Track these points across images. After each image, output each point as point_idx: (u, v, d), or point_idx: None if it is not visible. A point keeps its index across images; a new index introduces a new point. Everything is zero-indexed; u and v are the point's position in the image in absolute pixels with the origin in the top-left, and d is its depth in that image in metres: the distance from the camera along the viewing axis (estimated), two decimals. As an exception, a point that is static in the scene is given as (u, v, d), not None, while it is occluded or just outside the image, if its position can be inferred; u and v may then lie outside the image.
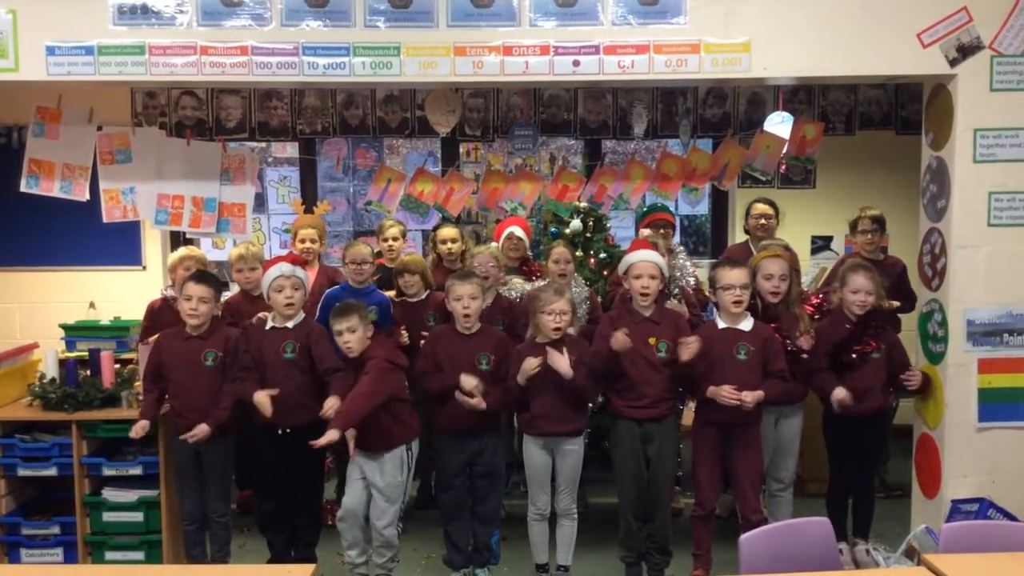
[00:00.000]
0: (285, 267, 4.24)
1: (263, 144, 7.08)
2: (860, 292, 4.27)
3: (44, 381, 4.51)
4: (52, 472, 4.43)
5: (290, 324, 4.25)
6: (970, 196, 4.26)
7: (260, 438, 4.26)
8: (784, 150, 5.40)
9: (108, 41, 4.19)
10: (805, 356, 4.29)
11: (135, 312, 5.50)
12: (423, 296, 4.95)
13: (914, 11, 4.19)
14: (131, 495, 4.45)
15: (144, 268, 6.30)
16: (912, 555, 4.21)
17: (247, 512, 5.09)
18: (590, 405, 4.51)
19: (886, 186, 6.10)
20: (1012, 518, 4.17)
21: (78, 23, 4.18)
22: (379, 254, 5.49)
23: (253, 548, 4.73)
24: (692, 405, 4.42)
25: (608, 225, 5.48)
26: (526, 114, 6.27)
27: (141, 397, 4.35)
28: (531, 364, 4.08)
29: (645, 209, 5.50)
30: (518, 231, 5.20)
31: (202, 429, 4.12)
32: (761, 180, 5.76)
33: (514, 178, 5.47)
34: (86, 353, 4.87)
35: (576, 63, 4.23)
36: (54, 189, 5.00)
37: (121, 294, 6.11)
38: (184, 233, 5.55)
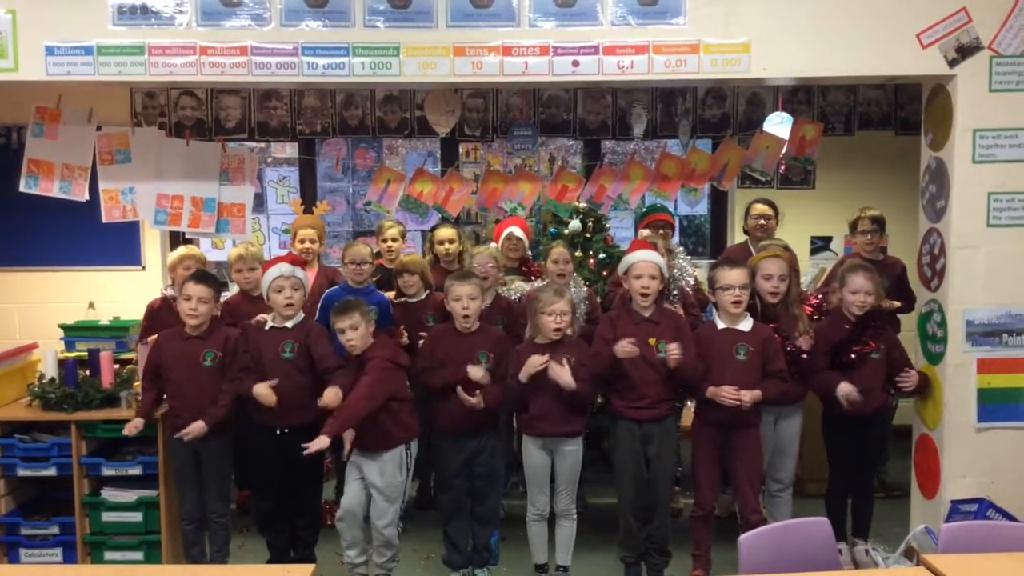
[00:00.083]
0: (285, 267, 4.25)
1: (262, 144, 7.08)
2: (859, 292, 4.27)
3: (43, 381, 4.51)
4: (51, 472, 4.43)
5: (289, 324, 4.25)
6: (969, 196, 4.26)
7: (259, 438, 4.26)
8: (783, 150, 5.40)
9: (107, 41, 4.19)
10: (804, 356, 4.30)
11: (134, 312, 5.50)
12: (423, 296, 4.95)
13: (913, 11, 4.19)
14: (130, 495, 4.45)
15: (143, 268, 6.30)
16: (911, 555, 4.21)
17: (246, 512, 5.09)
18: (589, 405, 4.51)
19: (885, 186, 6.10)
20: (1011, 518, 4.16)
21: (77, 23, 4.18)
22: (378, 254, 5.49)
23: (252, 548, 4.73)
24: (692, 405, 4.43)
25: (607, 225, 5.48)
26: (525, 114, 6.27)
27: (140, 396, 4.35)
28: (537, 360, 4.08)
29: (644, 210, 5.49)
30: (517, 231, 5.20)
31: (198, 426, 4.12)
32: (760, 180, 5.76)
33: (513, 178, 5.47)
34: (85, 353, 4.88)
35: (575, 63, 4.23)
36: (53, 189, 5.00)
37: (120, 294, 6.11)
38: (183, 233, 5.55)
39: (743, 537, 2.95)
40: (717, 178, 5.35)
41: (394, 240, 5.45)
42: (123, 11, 4.19)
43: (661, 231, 5.05)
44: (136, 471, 4.44)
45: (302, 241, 5.32)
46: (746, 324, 4.20)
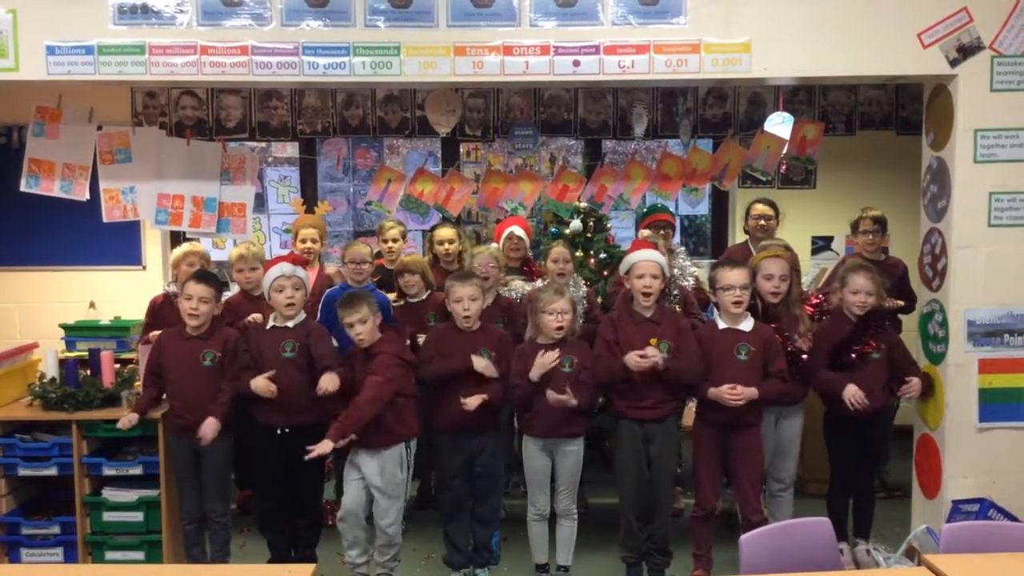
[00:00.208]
0: (286, 267, 4.25)
1: (263, 144, 7.08)
2: (860, 293, 4.26)
3: (44, 381, 4.51)
4: (52, 472, 4.42)
5: (290, 324, 4.25)
6: (970, 196, 4.26)
7: (260, 438, 4.26)
8: (784, 150, 5.40)
9: (108, 41, 4.19)
10: (805, 357, 4.29)
11: (135, 312, 5.50)
12: (424, 296, 4.95)
13: (914, 11, 4.19)
14: (131, 495, 4.44)
15: (144, 268, 6.30)
16: (913, 555, 4.21)
17: (247, 512, 5.09)
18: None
19: (886, 186, 6.09)
20: (1013, 518, 4.16)
21: (78, 23, 4.17)
22: (379, 254, 5.49)
23: (253, 548, 4.73)
24: (692, 405, 4.42)
25: (608, 225, 5.47)
26: (526, 114, 6.27)
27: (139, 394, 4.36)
28: (549, 358, 4.06)
29: (645, 210, 5.49)
30: (518, 231, 5.20)
31: (209, 425, 4.11)
32: (761, 180, 5.76)
33: (514, 178, 5.47)
34: (86, 353, 4.87)
35: (576, 63, 4.23)
36: (54, 189, 5.00)
37: (121, 294, 6.11)
38: (184, 233, 5.54)
39: (744, 537, 2.94)
40: (718, 178, 5.35)
41: (395, 240, 5.45)
42: (124, 11, 4.18)
43: (662, 231, 5.06)
44: (137, 471, 4.44)
45: (303, 241, 5.33)
46: (747, 324, 4.20)
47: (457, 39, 4.21)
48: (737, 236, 6.25)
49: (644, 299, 4.20)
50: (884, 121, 6.44)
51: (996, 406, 4.32)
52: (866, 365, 4.28)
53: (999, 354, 4.31)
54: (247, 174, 5.24)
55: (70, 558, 4.45)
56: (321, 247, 5.46)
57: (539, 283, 4.87)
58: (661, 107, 6.35)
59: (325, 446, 3.96)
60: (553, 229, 5.34)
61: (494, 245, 5.14)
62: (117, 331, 5.44)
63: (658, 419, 4.19)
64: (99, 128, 5.05)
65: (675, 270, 4.71)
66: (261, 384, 4.12)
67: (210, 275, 4.43)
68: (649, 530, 4.30)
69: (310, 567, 2.89)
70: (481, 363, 4.18)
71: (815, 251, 6.55)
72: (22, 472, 4.43)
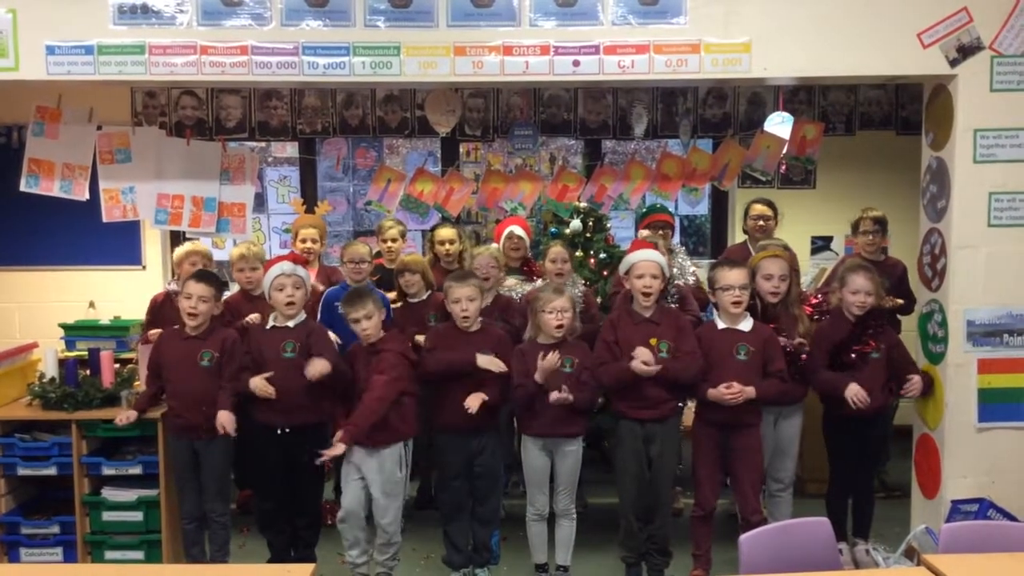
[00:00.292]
0: (287, 266, 4.25)
1: (263, 144, 7.08)
2: (860, 293, 4.26)
3: (44, 380, 4.51)
4: (52, 471, 4.43)
5: (291, 324, 4.24)
6: (970, 196, 4.26)
7: (260, 438, 4.26)
8: (784, 150, 5.40)
9: (108, 41, 4.19)
10: (804, 357, 4.29)
11: (135, 312, 5.51)
12: (424, 296, 4.95)
13: (914, 11, 4.19)
14: (131, 494, 4.45)
15: (144, 268, 6.31)
16: (912, 555, 4.21)
17: (247, 512, 5.09)
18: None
19: (886, 186, 6.10)
20: (1012, 518, 4.16)
21: (78, 22, 4.17)
22: (378, 254, 5.49)
23: (253, 548, 4.73)
24: (692, 405, 4.42)
25: (608, 225, 5.48)
26: (526, 114, 6.27)
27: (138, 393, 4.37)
28: (552, 361, 4.06)
29: (644, 210, 5.49)
30: (518, 230, 5.20)
31: (223, 416, 4.10)
32: (761, 180, 5.76)
33: (514, 178, 5.47)
34: (86, 353, 4.87)
35: (576, 63, 4.23)
36: (54, 188, 5.00)
37: (121, 294, 6.11)
38: (184, 233, 5.55)
39: (743, 537, 2.94)
40: (718, 178, 5.35)
41: (394, 240, 5.46)
42: (123, 11, 4.18)
43: (661, 231, 5.06)
44: (136, 470, 4.44)
45: (303, 240, 5.33)
46: (746, 324, 4.20)
47: (457, 39, 4.21)
48: (737, 236, 6.25)
49: (644, 299, 4.20)
50: (884, 121, 6.44)
51: (995, 406, 4.32)
52: (866, 365, 4.28)
53: (998, 354, 4.31)
54: (247, 174, 5.25)
55: (69, 558, 4.45)
56: (321, 247, 5.46)
57: (538, 283, 4.87)
58: (661, 107, 6.35)
59: (337, 449, 3.98)
60: (553, 229, 5.34)
61: (494, 245, 5.14)
62: (117, 331, 5.44)
63: (658, 419, 4.19)
64: (99, 128, 5.06)
65: (675, 270, 4.71)
66: (259, 384, 4.12)
67: (211, 275, 4.43)
68: (649, 530, 4.30)
69: (310, 567, 2.89)
70: (485, 359, 4.17)
71: (815, 251, 6.56)
72: (21, 472, 4.44)
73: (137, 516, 4.43)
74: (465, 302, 4.24)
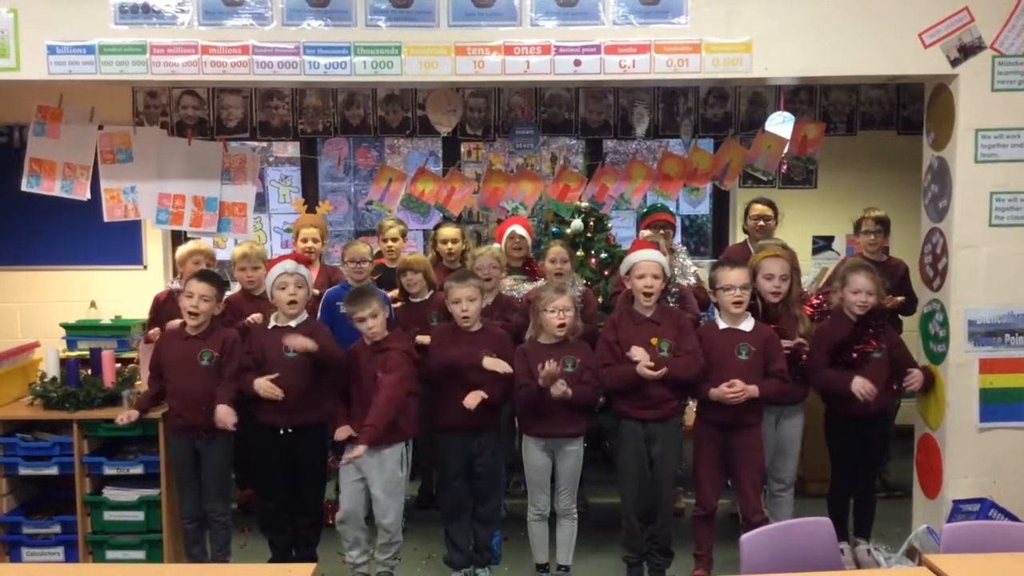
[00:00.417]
0: (289, 265, 4.25)
1: (264, 144, 7.08)
2: (861, 292, 4.26)
3: (45, 380, 4.51)
4: (53, 471, 4.43)
5: (293, 323, 4.24)
6: (971, 196, 4.26)
7: (262, 438, 4.26)
8: (785, 150, 5.40)
9: (109, 40, 4.19)
10: (804, 357, 4.30)
11: (136, 311, 5.52)
12: (426, 296, 4.95)
13: (915, 11, 4.19)
14: (132, 494, 4.45)
15: (145, 267, 6.30)
16: (913, 555, 4.21)
17: (248, 512, 5.09)
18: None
19: (887, 186, 6.09)
20: (1013, 518, 4.16)
21: (79, 22, 4.18)
22: (379, 254, 5.50)
23: (254, 548, 4.73)
24: (693, 405, 4.42)
25: (609, 225, 5.48)
26: (527, 114, 6.27)
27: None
28: (555, 368, 4.05)
29: (645, 209, 5.49)
30: (520, 230, 5.20)
31: (222, 411, 4.09)
32: (762, 180, 5.77)
33: (515, 178, 5.47)
34: (87, 352, 4.87)
35: (577, 63, 4.23)
36: (55, 188, 5.00)
37: (122, 293, 6.11)
38: (185, 232, 5.55)
39: (745, 537, 2.94)
40: (719, 178, 5.35)
41: (395, 239, 5.46)
42: (125, 10, 4.19)
43: (662, 231, 5.05)
44: (138, 470, 4.44)
45: (304, 240, 5.33)
46: (747, 324, 4.20)
47: (458, 39, 4.21)
48: (738, 236, 6.25)
49: (645, 299, 4.20)
50: (885, 121, 6.44)
51: (997, 406, 4.32)
52: (867, 365, 4.28)
53: (1000, 354, 4.31)
54: (248, 174, 5.25)
55: (71, 557, 4.45)
56: (322, 246, 5.46)
57: (540, 283, 4.87)
58: (662, 107, 6.35)
59: (358, 451, 3.97)
60: (554, 229, 5.34)
61: (496, 246, 5.14)
62: (118, 331, 5.44)
63: (660, 419, 4.19)
64: (100, 128, 5.06)
65: (676, 270, 4.71)
66: (265, 386, 4.12)
67: (213, 274, 4.43)
68: (651, 530, 4.30)
69: (311, 566, 2.89)
70: (491, 361, 4.17)
71: (816, 251, 6.55)
72: (23, 471, 4.44)
73: (138, 516, 4.44)
74: (465, 302, 4.24)
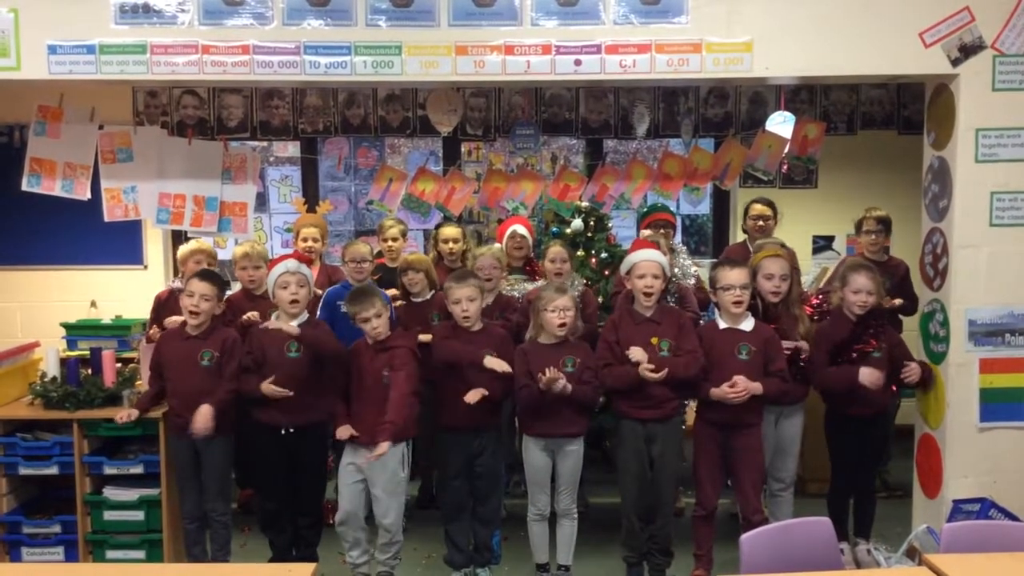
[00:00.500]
0: (291, 264, 4.25)
1: (264, 143, 7.08)
2: (861, 292, 4.26)
3: (45, 380, 4.51)
4: (53, 471, 4.43)
5: (295, 323, 4.23)
6: (972, 196, 4.26)
7: (263, 438, 4.26)
8: (786, 150, 5.40)
9: (110, 40, 4.19)
10: (804, 357, 4.29)
11: (136, 311, 5.52)
12: (427, 296, 4.95)
13: (916, 11, 4.19)
14: (132, 494, 4.45)
15: (145, 267, 6.30)
16: (913, 555, 4.21)
17: (248, 512, 5.09)
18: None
19: (888, 186, 6.09)
20: (1014, 518, 4.16)
21: (80, 22, 4.18)
22: (379, 253, 5.50)
23: (254, 547, 4.73)
24: (693, 405, 4.42)
25: (610, 225, 5.48)
26: (528, 113, 6.27)
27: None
28: (557, 376, 4.04)
29: (645, 209, 5.49)
30: (521, 229, 5.21)
31: (201, 412, 4.07)
32: (763, 180, 5.76)
33: (515, 177, 5.47)
34: (87, 352, 4.87)
35: (578, 62, 4.23)
36: (55, 188, 5.00)
37: (122, 293, 6.11)
38: (185, 232, 5.55)
39: (745, 537, 2.94)
40: (719, 177, 5.35)
41: (395, 239, 5.46)
42: (125, 10, 4.19)
43: (662, 230, 5.05)
44: (138, 470, 4.44)
45: (304, 240, 5.33)
46: (747, 324, 4.19)
47: (458, 38, 4.21)
48: (738, 236, 6.25)
49: (645, 299, 4.20)
50: (885, 121, 6.43)
51: (997, 406, 4.31)
52: (867, 364, 4.27)
53: (1000, 354, 4.31)
54: (248, 173, 5.25)
55: (71, 557, 4.45)
56: (322, 246, 5.47)
57: (540, 283, 4.87)
58: (662, 106, 6.35)
59: (383, 448, 3.96)
60: (554, 228, 5.34)
61: (496, 246, 5.14)
62: (118, 330, 5.45)
63: (660, 419, 4.19)
64: (100, 127, 5.06)
65: (676, 270, 4.71)
66: (271, 389, 4.12)
67: (214, 274, 4.44)
68: (651, 530, 4.30)
69: (311, 566, 2.89)
70: (492, 361, 4.17)
71: (816, 251, 6.55)
72: (23, 471, 4.44)
73: (138, 515, 4.44)
74: (465, 302, 4.24)
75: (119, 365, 4.70)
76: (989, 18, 4.18)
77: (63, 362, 4.61)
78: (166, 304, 4.89)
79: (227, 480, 4.45)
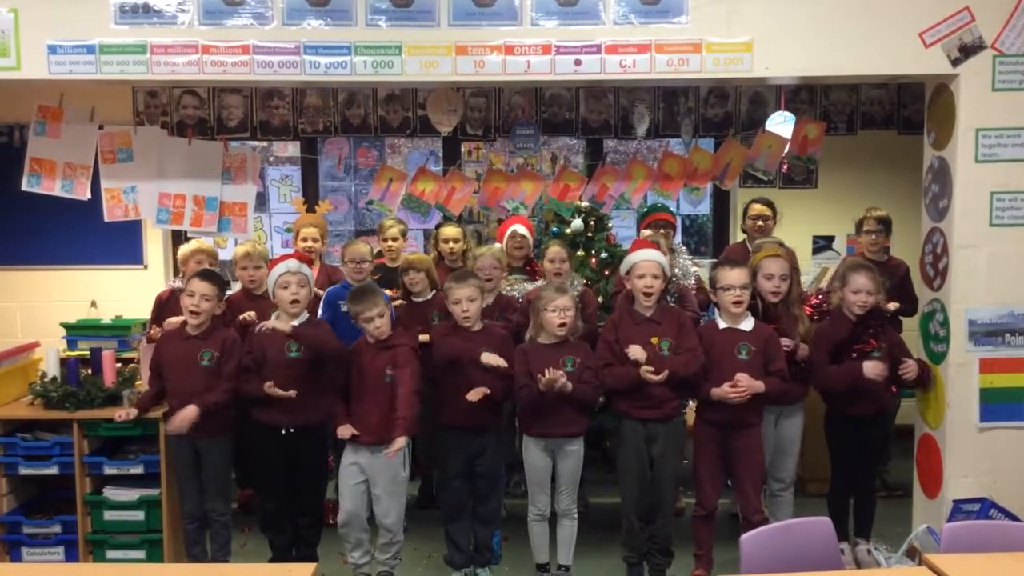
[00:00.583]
0: (292, 263, 4.25)
1: (264, 143, 7.08)
2: (861, 292, 4.26)
3: (45, 380, 4.51)
4: (53, 471, 4.43)
5: (295, 323, 4.23)
6: (972, 196, 4.25)
7: (263, 438, 4.26)
8: (786, 150, 5.40)
9: (110, 40, 4.19)
10: (802, 357, 4.29)
11: (136, 311, 5.52)
12: (428, 296, 4.95)
13: (916, 11, 4.19)
14: (132, 494, 4.45)
15: (145, 267, 6.30)
16: (913, 555, 4.21)
17: (248, 512, 5.09)
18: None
19: (888, 186, 6.09)
20: (1013, 518, 4.16)
21: (80, 22, 4.18)
22: (379, 253, 5.49)
23: (254, 547, 4.73)
24: (693, 405, 4.42)
25: (610, 225, 5.48)
26: (528, 113, 6.27)
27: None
28: (558, 377, 4.05)
29: (645, 209, 5.49)
30: (522, 229, 5.21)
31: (184, 413, 4.07)
32: (763, 180, 5.76)
33: (515, 177, 5.47)
34: (87, 352, 4.87)
35: (578, 62, 4.23)
36: (55, 188, 5.00)
37: (122, 293, 6.11)
38: (185, 232, 5.55)
39: (745, 537, 2.94)
40: (719, 177, 5.35)
41: (395, 239, 5.46)
42: (125, 10, 4.19)
43: (662, 230, 5.05)
44: (138, 470, 4.44)
45: (304, 240, 5.33)
46: (747, 324, 4.20)
47: (458, 38, 4.21)
48: (738, 236, 6.24)
49: (645, 299, 4.20)
50: (885, 121, 6.43)
51: (997, 406, 4.31)
52: (868, 364, 4.28)
53: (1000, 354, 4.31)
54: (248, 173, 5.25)
55: (71, 557, 4.45)
56: (322, 246, 5.46)
57: (540, 283, 4.87)
58: (662, 106, 6.35)
59: (400, 443, 3.97)
60: (554, 228, 5.34)
61: (497, 246, 5.14)
62: (118, 330, 5.44)
63: (661, 419, 4.19)
64: (100, 127, 5.06)
65: (676, 270, 4.71)
66: (274, 391, 4.12)
67: (214, 274, 4.44)
68: (651, 530, 4.30)
69: (311, 566, 2.89)
70: (489, 356, 4.17)
71: (816, 251, 6.55)
72: (23, 471, 4.44)
73: (138, 515, 4.44)
74: (466, 303, 4.24)
75: (119, 365, 4.71)
76: (989, 18, 4.18)
77: (63, 362, 4.62)
78: (167, 304, 4.89)
79: (227, 480, 4.45)
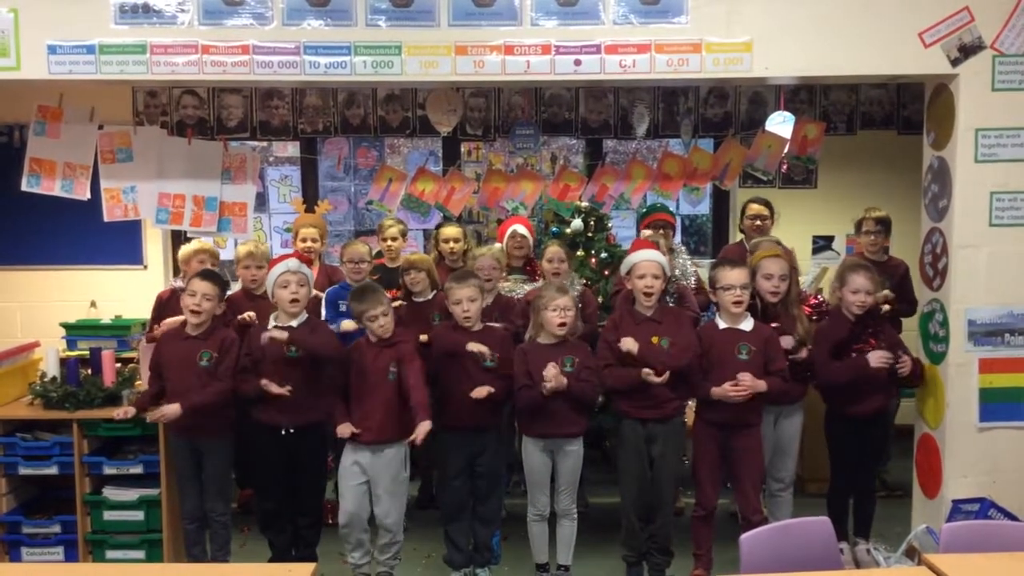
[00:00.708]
0: (292, 263, 4.24)
1: (264, 143, 7.07)
2: (860, 292, 4.26)
3: (45, 380, 4.51)
4: (53, 471, 4.43)
5: (294, 323, 4.23)
6: (971, 196, 4.26)
7: (263, 438, 4.26)
8: (785, 150, 5.40)
9: (109, 40, 4.19)
10: (802, 357, 4.30)
11: (136, 311, 5.52)
12: (429, 296, 4.95)
13: (916, 11, 4.19)
14: (132, 494, 4.45)
15: (145, 267, 6.30)
16: (913, 555, 4.21)
17: (248, 512, 5.09)
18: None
19: (887, 186, 6.09)
20: (1013, 518, 4.16)
21: (79, 22, 4.18)
22: (379, 253, 5.49)
23: (254, 548, 4.73)
24: (693, 405, 4.42)
25: (609, 225, 5.48)
26: (527, 113, 6.27)
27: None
28: (557, 376, 4.05)
29: (645, 209, 5.50)
30: (522, 229, 5.20)
31: (171, 409, 4.07)
32: (762, 180, 5.76)
33: (515, 177, 5.48)
34: (87, 352, 4.88)
35: (577, 62, 4.23)
36: (55, 188, 5.00)
37: (122, 293, 6.11)
38: (185, 232, 5.55)
39: (744, 537, 2.94)
40: (719, 177, 5.35)
41: (395, 239, 5.46)
42: (125, 10, 4.19)
43: (662, 231, 5.05)
44: (138, 470, 4.45)
45: (304, 240, 5.33)
46: (747, 324, 4.20)
47: (458, 38, 4.21)
48: (738, 236, 6.24)
49: (645, 299, 4.20)
50: (885, 121, 6.44)
51: (997, 406, 4.31)
52: (867, 364, 4.28)
53: (1000, 354, 4.31)
54: (248, 173, 5.25)
55: (71, 557, 4.45)
56: (322, 246, 5.46)
57: (539, 283, 4.87)
58: (662, 106, 6.35)
59: (426, 426, 3.98)
60: (554, 228, 5.35)
61: (496, 246, 5.14)
62: (118, 330, 5.45)
63: (661, 419, 4.19)
64: (100, 127, 5.05)
65: (676, 270, 4.71)
66: (270, 387, 4.12)
67: (215, 274, 4.44)
68: (650, 530, 4.30)
69: (311, 566, 2.89)
70: (474, 345, 4.18)
71: (816, 251, 6.56)
72: (23, 471, 4.44)
73: (138, 515, 4.44)
74: (466, 303, 4.24)
75: (119, 365, 4.71)
76: (989, 18, 4.18)
77: (63, 362, 4.62)
78: (168, 304, 4.89)
79: (227, 480, 4.45)
